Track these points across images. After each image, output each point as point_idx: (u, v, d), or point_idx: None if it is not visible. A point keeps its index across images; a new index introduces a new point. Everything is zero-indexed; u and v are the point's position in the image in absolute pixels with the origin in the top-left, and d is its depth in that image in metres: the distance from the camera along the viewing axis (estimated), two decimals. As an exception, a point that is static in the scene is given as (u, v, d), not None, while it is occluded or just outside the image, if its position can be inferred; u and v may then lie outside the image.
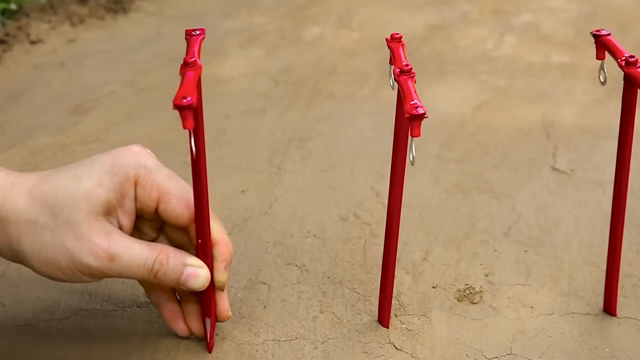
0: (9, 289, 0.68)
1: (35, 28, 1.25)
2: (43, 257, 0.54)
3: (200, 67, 0.53)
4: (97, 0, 1.36)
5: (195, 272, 0.58)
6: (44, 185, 0.55)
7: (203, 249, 0.58)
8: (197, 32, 0.58)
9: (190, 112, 0.49)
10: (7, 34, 1.21)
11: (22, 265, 0.57)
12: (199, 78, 0.53)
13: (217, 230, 0.60)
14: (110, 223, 0.56)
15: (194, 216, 0.58)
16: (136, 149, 0.58)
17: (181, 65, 0.53)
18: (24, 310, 0.66)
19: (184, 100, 0.49)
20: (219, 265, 0.60)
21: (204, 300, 0.61)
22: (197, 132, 0.53)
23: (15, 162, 0.88)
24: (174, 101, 0.49)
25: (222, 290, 0.61)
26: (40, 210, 0.54)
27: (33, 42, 1.21)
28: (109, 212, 0.56)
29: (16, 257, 0.55)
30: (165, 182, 0.57)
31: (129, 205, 0.57)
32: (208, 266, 0.59)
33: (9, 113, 0.99)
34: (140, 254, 0.55)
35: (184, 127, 0.50)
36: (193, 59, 0.53)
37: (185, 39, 0.57)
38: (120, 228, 0.57)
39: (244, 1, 1.41)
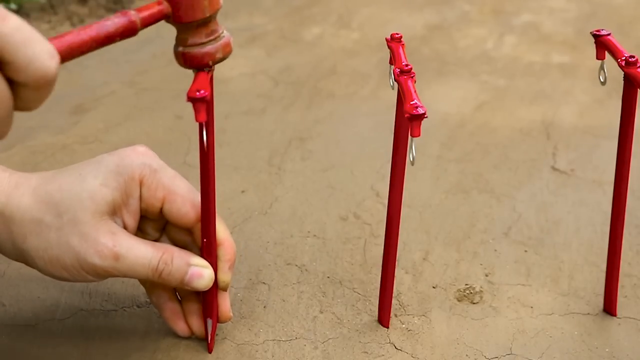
0: (9, 289, 0.68)
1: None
2: (48, 256, 0.54)
3: (212, 68, 0.54)
4: (97, 0, 1.36)
5: (200, 272, 0.58)
6: (49, 185, 0.55)
7: (208, 249, 0.59)
8: None
9: (204, 105, 0.51)
10: (7, 34, 1.21)
11: (22, 265, 0.57)
12: (212, 77, 0.54)
13: (221, 230, 0.60)
14: (115, 223, 0.56)
15: (199, 216, 0.58)
16: (141, 149, 0.58)
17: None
18: (24, 310, 0.66)
19: (197, 93, 0.50)
20: (224, 266, 0.60)
21: (207, 300, 0.60)
22: (208, 128, 0.54)
23: (15, 162, 0.88)
24: (188, 94, 0.50)
25: (225, 290, 0.61)
26: (45, 209, 0.54)
27: (33, 42, 1.20)
28: (114, 211, 0.56)
29: (20, 255, 0.55)
30: (171, 182, 0.58)
31: (134, 205, 0.57)
32: (212, 266, 0.59)
33: (9, 113, 0.99)
34: (145, 253, 0.55)
35: (197, 120, 0.51)
36: None
37: None
38: (125, 228, 0.57)
39: (244, 1, 1.41)
